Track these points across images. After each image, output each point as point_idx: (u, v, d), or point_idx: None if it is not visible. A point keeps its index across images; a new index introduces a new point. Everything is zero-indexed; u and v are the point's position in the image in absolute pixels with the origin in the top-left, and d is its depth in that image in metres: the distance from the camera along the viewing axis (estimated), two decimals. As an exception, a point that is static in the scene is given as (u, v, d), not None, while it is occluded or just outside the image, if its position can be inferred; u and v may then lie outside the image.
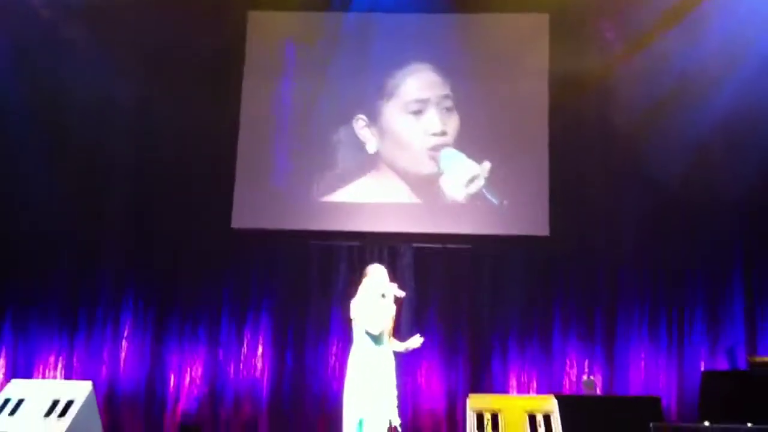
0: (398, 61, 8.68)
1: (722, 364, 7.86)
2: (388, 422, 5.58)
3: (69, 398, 5.24)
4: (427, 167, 8.51)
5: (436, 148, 8.50)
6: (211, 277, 8.42)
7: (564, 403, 6.56)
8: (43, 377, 8.07)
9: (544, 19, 8.61)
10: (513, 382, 8.13)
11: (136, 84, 8.45)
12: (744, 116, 7.91)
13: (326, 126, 8.63)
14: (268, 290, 8.42)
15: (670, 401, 7.87)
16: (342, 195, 8.50)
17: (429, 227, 8.37)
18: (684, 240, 8.17)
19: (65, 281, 8.40)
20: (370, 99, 8.65)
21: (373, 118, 8.63)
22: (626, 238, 8.24)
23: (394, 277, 8.05)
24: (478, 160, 8.43)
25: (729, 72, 8.01)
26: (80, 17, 8.27)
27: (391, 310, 5.73)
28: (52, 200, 8.36)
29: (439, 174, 8.47)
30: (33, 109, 8.37)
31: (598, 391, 7.80)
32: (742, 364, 7.65)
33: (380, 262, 8.22)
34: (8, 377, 7.69)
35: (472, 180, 8.42)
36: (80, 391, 5.29)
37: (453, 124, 8.55)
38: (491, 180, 8.40)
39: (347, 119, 8.61)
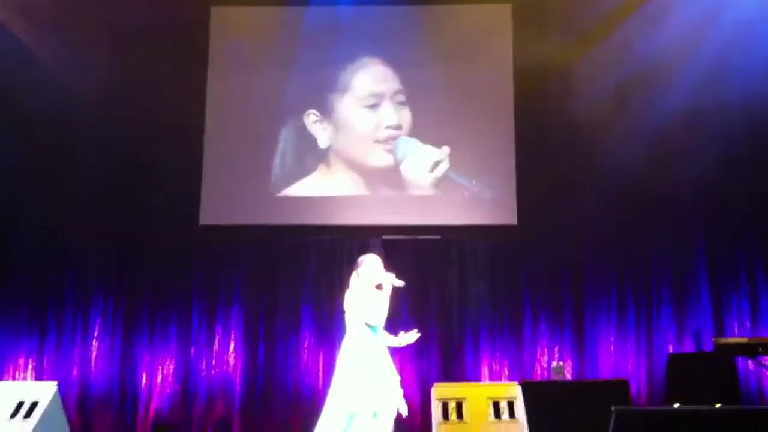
0: (351, 55, 8.68)
1: (690, 347, 7.95)
2: (395, 411, 5.53)
3: (34, 399, 5.22)
4: (384, 160, 8.53)
5: (389, 140, 8.52)
6: (181, 275, 8.41)
7: (533, 389, 6.64)
8: (14, 379, 8.01)
9: (506, 9, 8.66)
10: (485, 371, 8.18)
11: (98, 79, 8.37)
12: (705, 105, 7.98)
13: (283, 121, 8.62)
14: (238, 286, 8.41)
15: (639, 384, 7.96)
16: (301, 190, 8.52)
17: (396, 219, 8.40)
18: (650, 226, 8.25)
19: (33, 282, 8.34)
20: (322, 93, 8.64)
21: (326, 113, 8.63)
22: (593, 224, 8.29)
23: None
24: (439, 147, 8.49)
25: (690, 61, 8.09)
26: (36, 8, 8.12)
27: (386, 299, 5.61)
28: (17, 200, 8.30)
29: (397, 165, 8.49)
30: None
31: (568, 377, 7.88)
32: (708, 347, 7.73)
33: (350, 255, 8.34)
34: (-23, 380, 7.66)
35: (436, 164, 8.45)
36: (45, 392, 5.26)
37: (407, 117, 8.57)
38: (456, 166, 8.44)
39: (301, 114, 8.62)
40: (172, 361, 8.24)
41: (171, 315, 8.31)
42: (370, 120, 8.59)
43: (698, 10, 8.10)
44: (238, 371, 8.23)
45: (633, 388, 7.71)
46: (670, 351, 7.91)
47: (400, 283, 5.54)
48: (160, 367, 8.23)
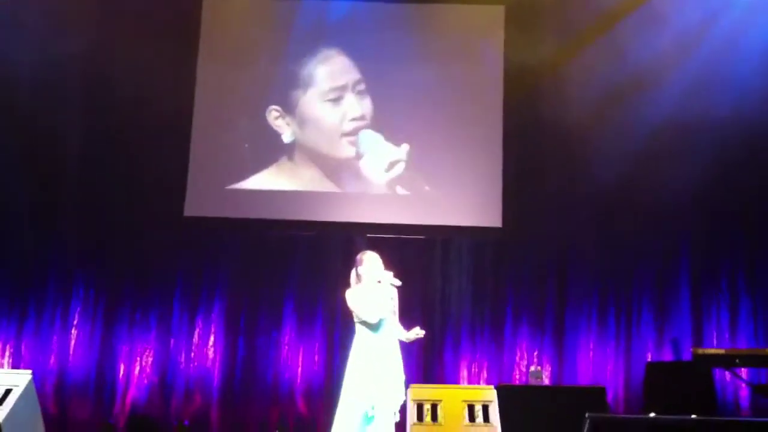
0: (311, 49, 8.66)
1: (668, 355, 7.97)
2: (397, 409, 5.54)
3: (7, 387, 5.18)
4: (346, 151, 8.54)
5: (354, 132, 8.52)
6: (163, 265, 8.36)
7: (510, 393, 6.66)
8: (-10, 365, 7.97)
9: (500, 10, 8.65)
10: (464, 373, 8.18)
11: (85, 63, 8.32)
12: (694, 112, 7.99)
13: (257, 115, 8.60)
14: (221, 279, 8.37)
15: (617, 391, 7.98)
16: (287, 184, 8.48)
17: (381, 218, 8.39)
18: (633, 233, 8.25)
19: (14, 268, 8.28)
20: (283, 88, 8.62)
21: (288, 108, 8.61)
22: (578, 228, 8.31)
23: (347, 268, 8.16)
24: (429, 149, 8.46)
25: (680, 66, 8.14)
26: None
27: (388, 296, 5.62)
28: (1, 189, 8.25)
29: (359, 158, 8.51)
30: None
31: (546, 382, 7.89)
32: (687, 356, 7.75)
33: (335, 251, 8.34)
34: (-45, 366, 7.60)
35: (392, 164, 8.45)
36: (19, 379, 5.22)
37: (368, 107, 8.55)
38: (442, 166, 8.42)
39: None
40: (151, 352, 8.20)
41: (152, 306, 8.27)
42: (335, 113, 8.56)
43: (690, 15, 8.18)
44: (217, 364, 8.20)
45: (610, 395, 7.74)
46: (649, 359, 7.93)
47: (398, 282, 5.51)
48: (138, 358, 8.19)
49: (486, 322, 8.26)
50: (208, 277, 8.39)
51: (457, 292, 8.35)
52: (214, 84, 8.62)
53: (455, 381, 8.11)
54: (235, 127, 8.58)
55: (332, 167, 8.51)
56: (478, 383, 8.03)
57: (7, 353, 8.10)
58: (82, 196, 8.43)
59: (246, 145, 8.54)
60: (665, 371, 7.39)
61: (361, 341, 5.57)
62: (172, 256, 8.38)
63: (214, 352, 8.23)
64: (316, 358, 8.19)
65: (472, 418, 4.85)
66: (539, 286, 8.31)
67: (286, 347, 8.24)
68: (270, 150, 8.56)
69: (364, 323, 5.44)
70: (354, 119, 8.54)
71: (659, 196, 8.18)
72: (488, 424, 4.81)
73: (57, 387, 8.04)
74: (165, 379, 8.13)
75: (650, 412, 6.59)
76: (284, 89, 8.62)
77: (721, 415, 7.31)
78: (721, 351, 7.01)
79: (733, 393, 7.82)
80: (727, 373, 7.54)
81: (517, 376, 8.11)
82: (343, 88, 8.59)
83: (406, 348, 7.98)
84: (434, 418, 4.84)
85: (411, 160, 8.47)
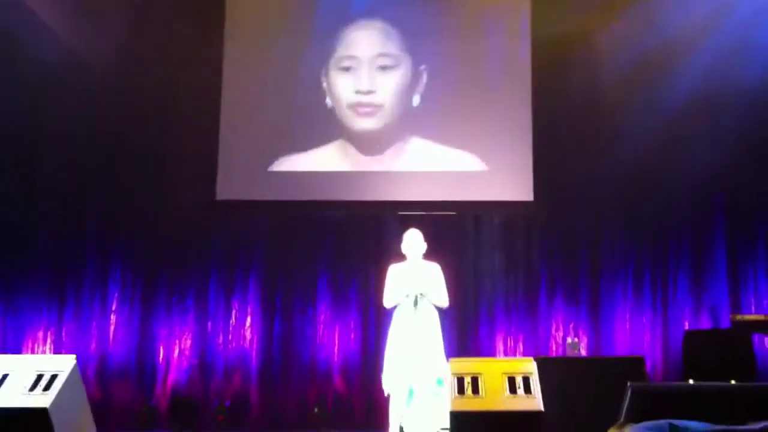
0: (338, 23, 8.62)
1: (706, 323, 7.92)
2: (437, 382, 5.67)
3: (53, 372, 5.26)
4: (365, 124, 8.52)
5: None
6: (198, 248, 8.44)
7: (548, 365, 6.62)
8: (33, 352, 8.10)
9: (526, -18, 8.56)
10: (500, 346, 8.19)
11: (114, 49, 8.34)
12: (726, 82, 7.93)
13: (297, 93, 8.58)
14: (255, 261, 8.44)
15: (655, 361, 7.95)
16: (317, 164, 8.48)
17: (412, 195, 8.38)
18: (667, 200, 8.19)
19: (51, 256, 8.39)
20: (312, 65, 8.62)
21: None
22: (610, 199, 8.26)
23: (379, 246, 8.19)
24: (458, 125, 8.39)
25: (712, 37, 8.00)
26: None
27: (426, 274, 5.73)
28: (34, 174, 8.33)
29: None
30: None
31: (583, 353, 7.88)
32: (724, 322, 7.71)
33: (366, 230, 8.37)
34: (-2, 353, 7.73)
35: None
36: (64, 364, 5.29)
37: (388, 82, 8.48)
38: (472, 140, 8.36)
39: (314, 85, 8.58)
40: (190, 334, 8.31)
41: (188, 289, 8.36)
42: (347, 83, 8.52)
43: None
44: (255, 345, 8.28)
45: (648, 365, 7.70)
46: (686, 327, 7.89)
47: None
48: (177, 341, 8.30)
49: (520, 295, 8.25)
50: (242, 260, 8.45)
51: (490, 267, 8.33)
52: (241, 66, 8.62)
53: (491, 355, 8.12)
54: (264, 108, 8.58)
55: (361, 143, 8.49)
56: (514, 356, 8.05)
57: (48, 340, 8.24)
58: (115, 181, 8.50)
59: (275, 127, 8.54)
60: (704, 339, 7.34)
61: (395, 319, 5.70)
62: (205, 239, 8.46)
63: (252, 333, 8.31)
64: (353, 336, 8.24)
65: (513, 389, 4.85)
66: (572, 258, 8.28)
67: (322, 326, 8.30)
68: (303, 130, 8.55)
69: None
70: (359, 92, 8.48)
71: (693, 163, 8.06)
72: (529, 395, 4.81)
73: (98, 371, 8.17)
74: (204, 361, 8.24)
75: (689, 380, 6.57)
76: (313, 65, 8.60)
77: (762, 381, 7.26)
78: (761, 317, 6.98)
79: (773, 359, 7.77)
80: (766, 339, 7.48)
81: (554, 348, 8.10)
82: (358, 60, 8.52)
83: (441, 323, 8.15)
84: (475, 390, 4.85)
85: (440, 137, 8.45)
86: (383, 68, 8.51)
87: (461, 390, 4.92)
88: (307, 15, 8.67)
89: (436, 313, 6.20)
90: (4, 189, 8.17)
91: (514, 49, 8.49)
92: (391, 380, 6.01)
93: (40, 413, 4.84)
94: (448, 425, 5.62)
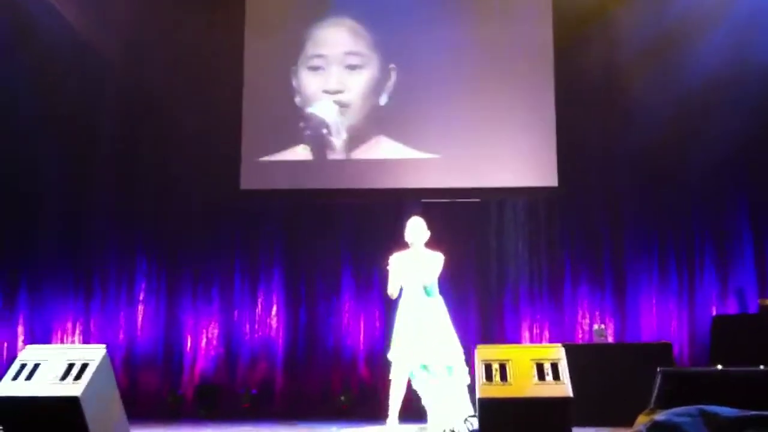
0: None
1: (733, 307, 7.85)
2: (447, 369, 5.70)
3: (84, 361, 5.30)
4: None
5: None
6: (222, 238, 8.50)
7: (575, 352, 6.55)
8: (62, 342, 8.18)
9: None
10: (525, 334, 8.17)
11: (131, 39, 8.45)
12: (745, 58, 7.85)
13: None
14: (279, 250, 8.47)
15: (682, 347, 7.91)
16: (339, 153, 8.50)
17: (435, 182, 8.36)
18: (689, 183, 8.13)
19: (78, 246, 8.47)
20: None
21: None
22: (633, 184, 8.20)
23: (402, 234, 8.18)
24: (478, 110, 8.35)
25: (731, 13, 7.94)
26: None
27: (426, 262, 5.75)
28: (62, 165, 8.41)
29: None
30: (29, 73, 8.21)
31: (610, 339, 7.84)
32: (752, 306, 7.64)
33: (387, 218, 8.36)
34: (27, 344, 7.79)
35: None
36: (95, 354, 5.33)
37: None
38: (495, 127, 8.32)
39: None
40: (216, 323, 8.36)
41: (213, 278, 8.42)
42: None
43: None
44: (281, 333, 8.33)
45: (676, 350, 7.65)
46: (714, 312, 7.83)
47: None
48: (204, 330, 8.36)
49: (545, 282, 8.23)
50: (266, 249, 8.49)
51: (513, 254, 8.31)
52: (262, 54, 8.64)
53: (517, 342, 8.10)
54: (287, 97, 8.58)
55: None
56: (540, 343, 8.02)
57: (77, 330, 8.33)
58: (141, 171, 8.57)
59: (298, 115, 8.55)
60: (732, 324, 7.28)
61: (401, 306, 5.79)
62: (230, 229, 8.50)
63: (277, 321, 8.36)
64: (377, 324, 8.25)
65: (541, 376, 4.82)
66: (596, 244, 8.23)
67: (347, 314, 8.33)
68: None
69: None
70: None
71: (715, 144, 7.98)
72: (558, 381, 4.79)
73: (126, 361, 8.26)
74: (230, 350, 8.29)
75: (717, 365, 6.51)
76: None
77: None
78: (790, 302, 6.90)
79: (803, 343, 7.67)
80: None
81: (580, 335, 8.07)
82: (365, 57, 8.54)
83: (464, 311, 8.14)
84: (503, 377, 4.83)
85: (462, 123, 8.41)
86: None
87: (489, 377, 4.90)
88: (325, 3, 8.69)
89: (441, 301, 6.17)
90: (33, 185, 8.25)
91: (534, 31, 8.41)
92: (396, 365, 6.03)
93: (71, 402, 4.87)
94: (468, 413, 5.64)
